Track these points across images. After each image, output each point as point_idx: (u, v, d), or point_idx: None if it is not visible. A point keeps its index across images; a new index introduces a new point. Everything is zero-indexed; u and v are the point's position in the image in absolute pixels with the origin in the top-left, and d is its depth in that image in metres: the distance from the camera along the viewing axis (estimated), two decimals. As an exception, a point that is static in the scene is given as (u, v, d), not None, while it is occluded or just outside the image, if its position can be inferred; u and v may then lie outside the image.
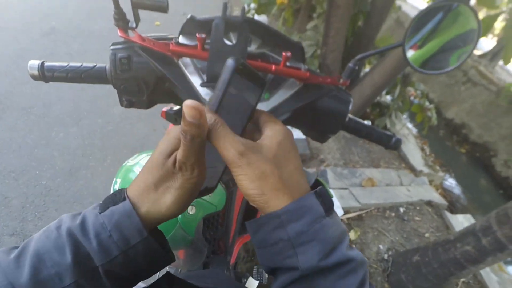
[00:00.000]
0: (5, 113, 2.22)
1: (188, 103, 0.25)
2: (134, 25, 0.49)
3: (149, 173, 0.29)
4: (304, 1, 2.86)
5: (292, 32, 3.37)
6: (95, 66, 0.56)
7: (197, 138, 0.26)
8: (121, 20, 0.48)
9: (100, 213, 0.27)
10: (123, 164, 0.63)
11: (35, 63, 0.55)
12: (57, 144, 2.01)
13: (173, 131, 0.29)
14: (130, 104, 0.57)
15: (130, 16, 0.49)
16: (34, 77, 0.55)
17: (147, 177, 0.29)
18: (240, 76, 0.30)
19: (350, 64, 0.54)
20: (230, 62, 0.29)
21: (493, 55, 6.68)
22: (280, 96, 0.54)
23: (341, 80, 0.56)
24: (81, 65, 0.55)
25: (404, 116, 2.81)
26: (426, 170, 2.56)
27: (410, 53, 0.52)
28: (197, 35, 0.47)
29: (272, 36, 0.55)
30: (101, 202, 0.29)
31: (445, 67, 0.51)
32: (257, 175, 0.27)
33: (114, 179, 0.61)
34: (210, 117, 0.27)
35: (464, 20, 0.48)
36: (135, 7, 0.46)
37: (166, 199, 0.28)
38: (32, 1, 3.76)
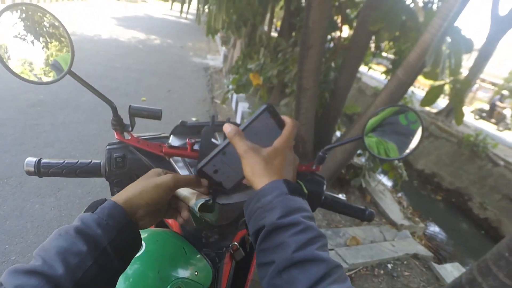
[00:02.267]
0: None
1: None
2: (130, 129, 0.57)
3: (139, 185, 0.44)
4: (276, 81, 3.25)
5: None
6: (90, 162, 0.60)
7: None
8: (118, 125, 0.56)
9: (92, 212, 0.38)
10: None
11: (32, 160, 0.56)
12: (31, 216, 1.92)
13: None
14: None
15: (126, 119, 0.57)
16: (29, 173, 0.57)
17: (136, 188, 0.44)
18: (270, 114, 0.45)
19: (320, 153, 0.65)
20: (264, 105, 0.45)
21: (447, 112, 7.53)
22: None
23: (314, 166, 0.67)
24: (77, 162, 0.59)
25: (379, 170, 3.03)
26: (406, 223, 2.67)
27: (369, 142, 0.65)
28: (188, 140, 0.57)
29: None
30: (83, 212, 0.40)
31: (404, 151, 0.63)
32: (252, 164, 0.42)
33: None
34: (235, 129, 0.44)
35: (410, 116, 0.63)
36: (132, 115, 0.56)
37: (147, 201, 0.43)
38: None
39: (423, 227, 2.91)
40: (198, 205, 0.46)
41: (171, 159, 0.60)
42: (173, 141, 0.64)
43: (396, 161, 2.90)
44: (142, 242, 0.58)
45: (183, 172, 0.58)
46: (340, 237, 2.23)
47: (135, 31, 9.44)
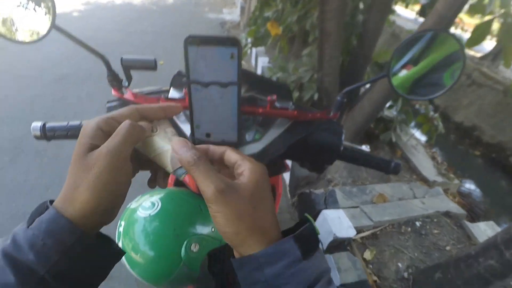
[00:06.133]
0: (19, 157, 2.32)
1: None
2: (126, 84, 0.54)
3: (70, 174, 0.29)
4: (297, 29, 2.96)
5: (288, 59, 3.47)
6: None
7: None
8: (114, 80, 0.53)
9: (28, 226, 0.27)
10: (127, 206, 0.66)
11: (37, 125, 0.58)
12: None
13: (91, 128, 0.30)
14: None
15: (122, 75, 0.54)
16: (36, 137, 0.59)
17: (69, 179, 0.29)
18: (195, 45, 0.33)
19: (338, 98, 0.56)
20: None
21: (494, 56, 6.66)
22: (271, 135, 0.55)
23: (331, 114, 0.58)
24: (80, 123, 0.58)
25: (412, 124, 2.78)
26: (439, 179, 2.49)
27: (397, 81, 0.54)
28: (184, 89, 0.51)
29: (258, 82, 0.58)
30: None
31: (440, 89, 0.53)
32: (235, 214, 0.28)
33: (119, 222, 0.64)
34: (194, 153, 0.30)
35: (446, 44, 0.50)
36: (126, 68, 0.51)
37: (90, 193, 0.28)
38: (45, 50, 4.02)
39: (458, 184, 2.70)
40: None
41: None
42: (173, 93, 0.58)
43: (431, 112, 2.63)
44: (151, 211, 0.58)
45: (185, 127, 0.53)
46: (366, 195, 2.12)
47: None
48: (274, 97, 0.51)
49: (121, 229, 0.62)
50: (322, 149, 0.59)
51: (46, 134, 0.58)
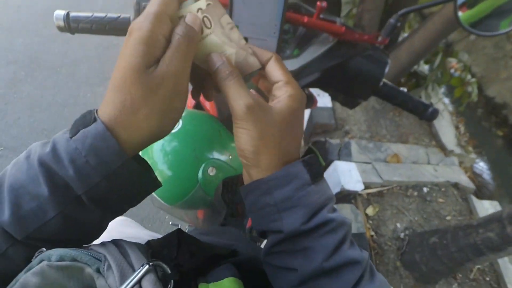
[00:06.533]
0: (36, 72, 2.28)
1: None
2: None
3: (124, 92, 0.24)
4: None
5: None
6: (119, 16, 0.54)
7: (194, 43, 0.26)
8: None
9: (71, 137, 0.24)
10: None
11: (60, 13, 0.54)
12: (85, 104, 2.06)
13: (145, 29, 0.24)
14: None
15: None
16: (60, 28, 0.55)
17: (122, 97, 0.24)
18: None
19: (392, 20, 0.49)
20: None
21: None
22: (311, 53, 0.50)
23: (380, 38, 0.51)
24: (105, 16, 0.54)
25: (441, 90, 2.60)
26: (457, 150, 2.42)
27: (461, 12, 0.49)
28: None
29: None
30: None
31: (494, 31, 0.48)
32: (259, 135, 0.27)
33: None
34: (226, 67, 0.27)
35: None
36: None
37: (150, 121, 0.25)
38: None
39: (473, 159, 2.64)
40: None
41: None
42: None
43: (469, 76, 2.42)
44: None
45: None
46: (381, 152, 2.08)
47: None
48: (324, 4, 0.44)
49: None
50: (361, 78, 0.54)
51: (70, 25, 0.54)
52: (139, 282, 0.21)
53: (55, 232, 0.24)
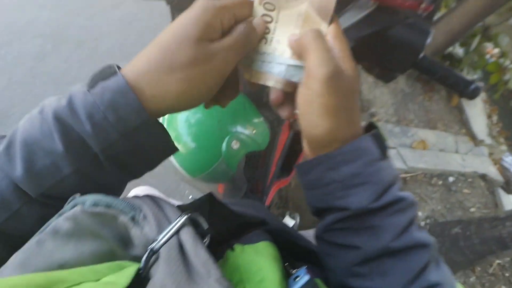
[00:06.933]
0: (61, 46, 2.31)
1: None
2: None
3: (168, 51, 0.23)
4: None
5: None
6: None
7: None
8: None
9: (88, 90, 0.23)
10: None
11: None
12: None
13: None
14: None
15: None
16: None
17: (163, 55, 0.24)
18: None
19: None
20: None
21: None
22: (348, 19, 0.47)
23: (423, 5, 0.48)
24: None
25: (476, 75, 2.43)
26: (488, 140, 2.30)
27: None
28: None
29: None
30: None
31: None
32: (336, 106, 0.25)
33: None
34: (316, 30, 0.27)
35: None
36: None
37: (181, 85, 0.24)
38: None
39: (504, 151, 2.49)
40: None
41: None
42: None
43: (508, 62, 2.24)
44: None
45: None
46: (407, 137, 2.00)
47: None
48: None
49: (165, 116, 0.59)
50: (400, 48, 0.50)
51: None
52: (177, 233, 0.20)
53: (71, 190, 0.23)
